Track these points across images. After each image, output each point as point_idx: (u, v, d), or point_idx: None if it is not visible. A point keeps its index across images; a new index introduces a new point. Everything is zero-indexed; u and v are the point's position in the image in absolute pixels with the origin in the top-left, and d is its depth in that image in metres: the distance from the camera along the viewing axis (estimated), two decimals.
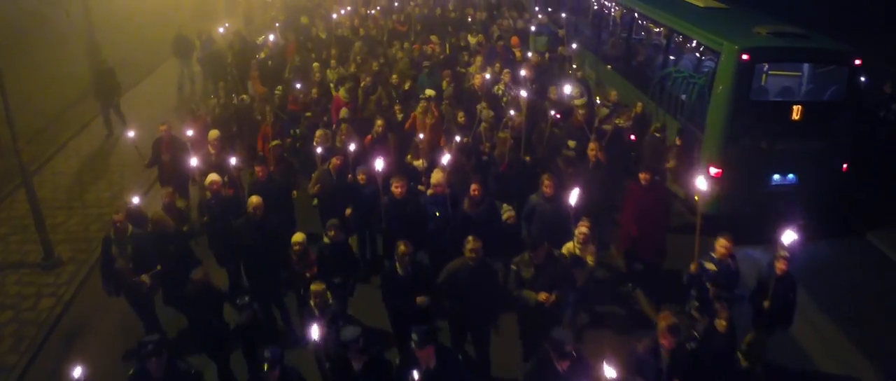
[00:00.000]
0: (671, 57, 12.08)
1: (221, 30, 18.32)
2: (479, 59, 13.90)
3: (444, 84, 12.75)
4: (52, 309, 9.50)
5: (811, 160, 10.36)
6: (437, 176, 8.59)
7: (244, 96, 13.29)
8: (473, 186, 8.42)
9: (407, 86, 12.78)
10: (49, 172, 13.72)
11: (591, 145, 9.56)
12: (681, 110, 11.23)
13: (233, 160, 9.62)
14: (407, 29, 17.37)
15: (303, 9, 20.84)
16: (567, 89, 11.71)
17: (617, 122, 11.14)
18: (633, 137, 11.39)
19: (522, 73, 12.52)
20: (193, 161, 9.52)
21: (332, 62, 14.34)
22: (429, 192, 8.78)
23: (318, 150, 9.61)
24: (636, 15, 13.62)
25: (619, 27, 14.97)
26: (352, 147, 9.50)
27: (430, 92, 11.85)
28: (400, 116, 11.56)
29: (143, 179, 12.55)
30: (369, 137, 10.47)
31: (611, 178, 9.61)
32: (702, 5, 12.57)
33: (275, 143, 10.59)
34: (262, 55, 15.55)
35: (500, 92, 12.48)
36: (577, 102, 11.30)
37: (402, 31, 17.41)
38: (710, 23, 11.48)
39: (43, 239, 10.39)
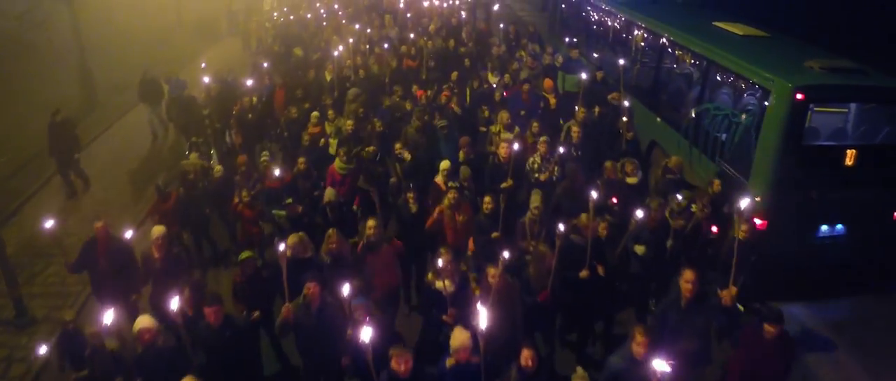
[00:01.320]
0: (708, 91, 10.96)
1: (204, 66, 15.63)
2: (503, 116, 11.20)
3: (462, 154, 10.32)
4: (22, 378, 8.55)
5: (863, 209, 9.35)
6: (460, 339, 5.83)
7: (216, 168, 10.88)
8: (526, 354, 5.70)
9: (408, 156, 10.27)
10: (29, 211, 12.73)
11: (686, 277, 6.61)
12: (720, 152, 10.14)
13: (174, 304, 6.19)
14: (418, 65, 15.44)
15: (296, 38, 18.90)
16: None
17: (694, 211, 8.77)
18: (714, 229, 8.59)
19: (560, 149, 10.02)
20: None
21: (330, 113, 12.03)
22: (449, 362, 5.93)
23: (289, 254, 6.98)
24: (666, 42, 12.51)
25: (646, 55, 13.85)
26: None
27: (444, 164, 9.58)
28: (414, 208, 8.76)
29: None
30: (359, 243, 7.88)
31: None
32: (741, 33, 11.45)
33: (245, 255, 7.72)
34: (247, 101, 13.19)
35: (535, 166, 10.01)
36: (654, 204, 8.31)
37: (412, 68, 15.44)
38: (755, 54, 10.35)
39: (14, 296, 9.39)
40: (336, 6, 22.52)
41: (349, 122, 11.33)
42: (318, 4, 23.26)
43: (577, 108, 11.66)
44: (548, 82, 13.23)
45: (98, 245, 8.17)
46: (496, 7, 21.86)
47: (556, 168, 9.93)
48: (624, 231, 8.46)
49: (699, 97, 11.01)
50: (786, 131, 8.86)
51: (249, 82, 14.29)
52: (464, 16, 19.32)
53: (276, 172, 9.70)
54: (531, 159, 10.02)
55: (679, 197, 8.97)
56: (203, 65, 15.58)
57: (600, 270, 7.51)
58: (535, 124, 11.03)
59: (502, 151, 9.78)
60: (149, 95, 15.78)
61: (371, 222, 7.75)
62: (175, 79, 15.34)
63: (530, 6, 31.87)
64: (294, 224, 8.81)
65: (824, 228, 9.53)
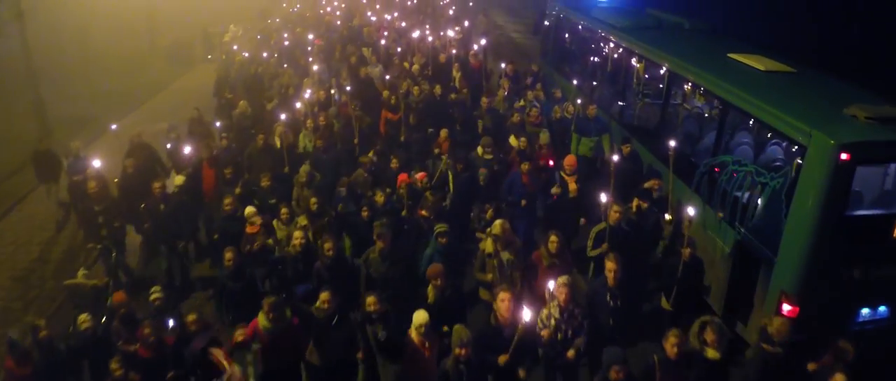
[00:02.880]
0: (727, 139, 9.22)
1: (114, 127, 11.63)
2: (496, 229, 7.88)
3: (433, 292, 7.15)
4: None
5: None
6: None
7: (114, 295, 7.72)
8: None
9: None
10: None
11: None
12: (740, 218, 8.36)
13: None
14: (399, 118, 12.49)
15: (249, 83, 15.27)
16: None
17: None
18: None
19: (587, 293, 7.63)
20: None
21: (283, 211, 8.74)
22: None
23: None
24: (674, 76, 10.74)
25: (650, 90, 12.13)
26: None
27: (420, 318, 6.41)
28: None
29: None
30: None
31: None
32: (763, 68, 9.61)
33: None
34: (158, 188, 9.28)
35: (547, 334, 6.78)
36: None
37: (393, 121, 12.63)
38: (784, 97, 8.54)
39: None
40: (311, 36, 19.42)
41: (297, 235, 7.94)
42: (286, 35, 20.20)
43: (604, 197, 8.50)
44: (570, 160, 10.02)
45: None
46: (483, 42, 18.05)
47: (581, 341, 6.89)
48: None
49: (715, 146, 9.23)
50: (826, 198, 7.09)
51: (187, 150, 10.80)
52: (454, 52, 16.48)
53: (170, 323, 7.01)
54: (543, 313, 6.82)
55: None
56: (113, 127, 11.59)
57: None
58: (546, 251, 7.82)
59: (502, 308, 6.55)
60: (44, 172, 12.39)
61: None
62: (73, 158, 11.51)
63: (525, 26, 30.29)
64: None
65: (866, 311, 7.81)
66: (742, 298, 8.22)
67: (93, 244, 9.56)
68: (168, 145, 11.82)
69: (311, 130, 11.63)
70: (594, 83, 14.04)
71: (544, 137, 11.15)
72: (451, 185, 9.90)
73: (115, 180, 10.42)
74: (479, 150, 10.40)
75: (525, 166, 9.73)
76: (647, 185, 9.46)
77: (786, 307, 7.42)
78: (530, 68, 16.21)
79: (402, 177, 9.47)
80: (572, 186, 9.70)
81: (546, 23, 17.67)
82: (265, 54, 17.90)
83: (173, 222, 9.26)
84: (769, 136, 8.39)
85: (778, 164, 8.09)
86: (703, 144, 9.83)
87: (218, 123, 12.77)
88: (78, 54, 22.42)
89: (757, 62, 9.80)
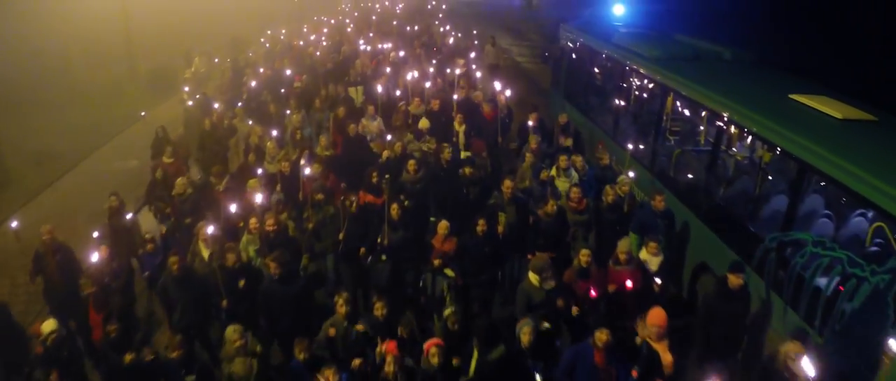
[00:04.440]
0: (801, 210, 7.23)
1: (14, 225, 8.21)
2: None
3: None
4: None
5: None
6: None
7: None
8: None
9: None
10: None
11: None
12: (821, 316, 6.34)
13: None
14: (383, 201, 8.38)
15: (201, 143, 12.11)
16: None
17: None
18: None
19: None
20: None
21: None
22: None
23: None
24: (725, 123, 8.67)
25: (691, 137, 10.19)
26: None
27: None
28: None
29: None
30: None
31: None
32: (840, 116, 7.61)
33: None
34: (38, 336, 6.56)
35: None
36: None
37: (375, 207, 8.80)
38: (878, 158, 6.59)
39: None
40: (289, 72, 15.78)
41: None
42: (262, 70, 16.74)
43: None
44: (657, 319, 6.09)
45: None
46: (500, 86, 12.97)
47: None
48: None
49: (786, 219, 7.19)
50: None
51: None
52: (455, 97, 12.81)
53: None
54: None
55: None
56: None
57: None
58: None
59: None
60: None
61: None
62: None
63: (530, 50, 28.36)
64: None
65: None
66: None
67: None
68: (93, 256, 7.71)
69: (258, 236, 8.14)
70: (617, 122, 11.94)
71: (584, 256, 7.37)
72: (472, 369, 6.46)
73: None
74: (532, 278, 7.06)
75: (602, 338, 5.79)
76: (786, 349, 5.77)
77: None
78: (560, 122, 12.38)
79: (390, 347, 5.97)
80: (667, 357, 6.10)
81: (561, 48, 15.44)
82: (217, 105, 13.46)
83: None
84: (868, 213, 6.41)
85: (874, 249, 6.10)
86: (765, 211, 7.81)
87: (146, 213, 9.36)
88: (56, 82, 20.70)
89: (828, 107, 7.80)
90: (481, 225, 7.85)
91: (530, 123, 11.80)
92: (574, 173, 9.76)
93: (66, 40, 24.16)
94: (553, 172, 9.76)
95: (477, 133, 11.85)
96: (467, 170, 9.59)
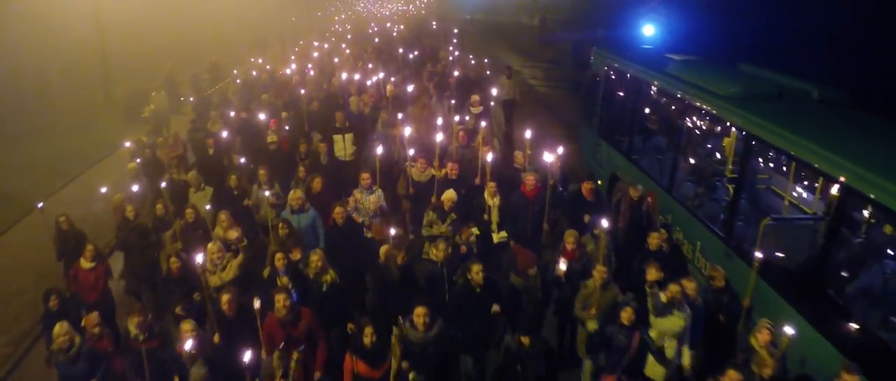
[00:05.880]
0: None
1: None
2: None
3: None
4: None
5: None
6: None
7: None
8: None
9: None
10: None
11: None
12: None
13: None
14: (381, 375, 6.23)
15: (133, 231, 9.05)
16: None
17: None
18: None
19: None
20: None
21: None
22: None
23: None
24: (840, 192, 6.39)
25: (772, 196, 8.18)
26: None
27: None
28: None
29: None
30: None
31: None
32: None
33: None
34: None
35: None
36: None
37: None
38: None
39: None
40: (263, 116, 12.98)
41: None
42: (233, 114, 14.38)
43: None
44: None
45: None
46: (550, 159, 9.16)
47: None
48: None
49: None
50: None
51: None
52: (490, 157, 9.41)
53: None
54: None
55: None
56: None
57: None
58: None
59: None
60: None
61: None
62: None
63: (544, 72, 26.26)
64: None
65: None
66: None
67: None
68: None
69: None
70: (674, 173, 9.63)
71: None
72: None
73: None
74: None
75: None
76: None
77: None
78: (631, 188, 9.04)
79: None
80: None
81: (594, 75, 13.07)
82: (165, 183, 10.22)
83: None
84: None
85: None
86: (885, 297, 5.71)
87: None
88: (29, 108, 18.80)
89: None
90: None
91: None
92: (687, 310, 6.63)
93: (43, 62, 22.28)
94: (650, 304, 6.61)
95: (513, 214, 8.67)
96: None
